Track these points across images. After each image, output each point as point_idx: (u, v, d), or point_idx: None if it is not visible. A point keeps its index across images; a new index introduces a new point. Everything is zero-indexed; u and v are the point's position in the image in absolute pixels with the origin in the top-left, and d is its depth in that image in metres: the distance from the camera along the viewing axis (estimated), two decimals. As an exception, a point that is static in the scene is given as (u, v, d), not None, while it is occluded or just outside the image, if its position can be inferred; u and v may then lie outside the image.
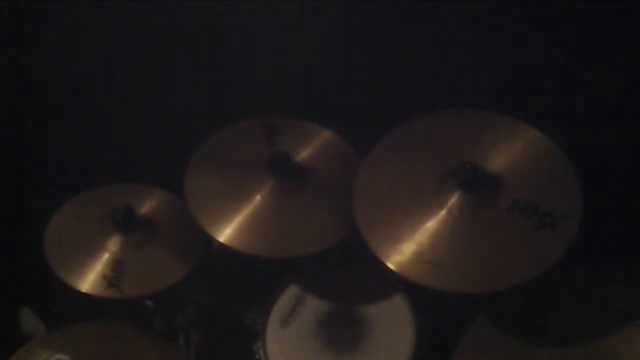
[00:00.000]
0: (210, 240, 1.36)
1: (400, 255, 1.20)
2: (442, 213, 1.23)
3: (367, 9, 1.47)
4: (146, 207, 1.52)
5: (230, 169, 1.43)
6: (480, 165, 1.23)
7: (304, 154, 1.46)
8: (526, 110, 1.33)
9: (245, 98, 1.64)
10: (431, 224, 1.22)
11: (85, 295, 1.39)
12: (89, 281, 1.39)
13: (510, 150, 1.28)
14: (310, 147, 1.48)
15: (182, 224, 1.45)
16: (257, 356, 1.35)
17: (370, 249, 1.23)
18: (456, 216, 1.22)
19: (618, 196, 1.45)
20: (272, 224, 1.36)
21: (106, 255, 1.42)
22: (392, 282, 1.36)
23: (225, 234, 1.33)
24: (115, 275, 1.39)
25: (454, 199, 1.23)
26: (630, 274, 1.29)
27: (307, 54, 1.57)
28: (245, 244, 1.33)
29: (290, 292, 1.42)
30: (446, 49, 1.49)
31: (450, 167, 1.25)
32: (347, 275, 1.43)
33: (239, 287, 1.56)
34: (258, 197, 1.38)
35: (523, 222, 1.19)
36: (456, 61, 1.50)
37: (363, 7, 1.47)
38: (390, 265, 1.20)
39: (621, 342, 1.21)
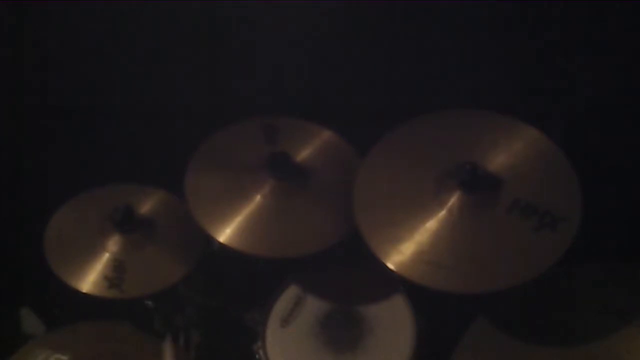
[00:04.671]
0: (210, 240, 1.36)
1: (400, 255, 1.20)
2: (442, 213, 1.23)
3: (367, 9, 1.47)
4: (146, 207, 1.52)
5: (230, 169, 1.43)
6: (480, 165, 1.23)
7: (304, 154, 1.46)
8: (526, 110, 1.33)
9: (245, 98, 1.64)
10: (431, 224, 1.22)
11: (86, 295, 1.39)
12: (90, 282, 1.39)
13: (510, 150, 1.28)
14: (310, 147, 1.48)
15: (182, 224, 1.45)
16: (257, 356, 1.35)
17: (370, 249, 1.23)
18: (456, 216, 1.22)
19: (618, 196, 1.45)
20: (272, 224, 1.36)
21: (106, 256, 1.42)
22: (392, 282, 1.36)
23: (225, 234, 1.33)
24: (116, 275, 1.40)
25: (454, 199, 1.23)
26: (630, 274, 1.29)
27: (307, 54, 1.57)
28: (245, 244, 1.33)
29: (290, 292, 1.42)
30: (446, 49, 1.49)
31: (450, 167, 1.25)
32: (347, 275, 1.43)
33: (239, 287, 1.56)
34: (258, 197, 1.38)
35: (523, 222, 1.19)
36: (456, 61, 1.50)
37: (363, 7, 1.47)
38: (390, 265, 1.20)
39: (621, 342, 1.21)
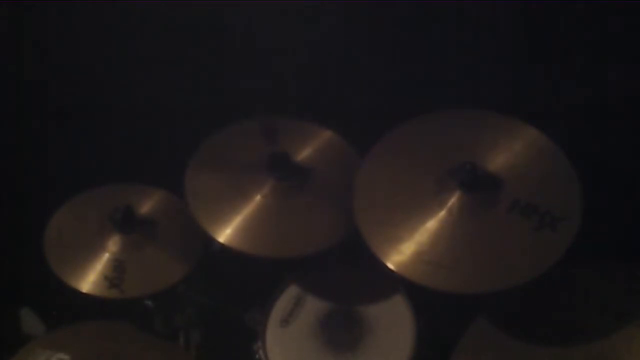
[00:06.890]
0: (211, 240, 1.36)
1: (400, 255, 1.20)
2: (442, 213, 1.23)
3: (367, 9, 1.47)
4: (146, 207, 1.52)
5: (230, 169, 1.43)
6: (480, 165, 1.23)
7: (304, 154, 1.46)
8: (526, 111, 1.33)
9: (245, 98, 1.64)
10: (431, 224, 1.22)
11: (86, 295, 1.39)
12: (90, 282, 1.40)
13: (510, 150, 1.28)
14: (310, 147, 1.48)
15: (182, 224, 1.45)
16: (257, 356, 1.35)
17: (370, 249, 1.23)
18: (456, 216, 1.22)
19: (618, 196, 1.45)
20: (272, 224, 1.36)
21: (106, 256, 1.43)
22: (392, 282, 1.36)
23: (225, 234, 1.33)
24: (116, 275, 1.40)
25: (454, 199, 1.23)
26: (630, 274, 1.29)
27: (306, 53, 1.57)
28: (245, 244, 1.33)
29: (290, 292, 1.42)
30: (446, 50, 1.49)
31: (450, 167, 1.25)
32: (347, 275, 1.43)
33: (239, 287, 1.56)
34: (258, 197, 1.38)
35: (523, 222, 1.19)
36: (456, 61, 1.50)
37: (363, 7, 1.47)
38: (390, 265, 1.20)
39: (621, 342, 1.21)
